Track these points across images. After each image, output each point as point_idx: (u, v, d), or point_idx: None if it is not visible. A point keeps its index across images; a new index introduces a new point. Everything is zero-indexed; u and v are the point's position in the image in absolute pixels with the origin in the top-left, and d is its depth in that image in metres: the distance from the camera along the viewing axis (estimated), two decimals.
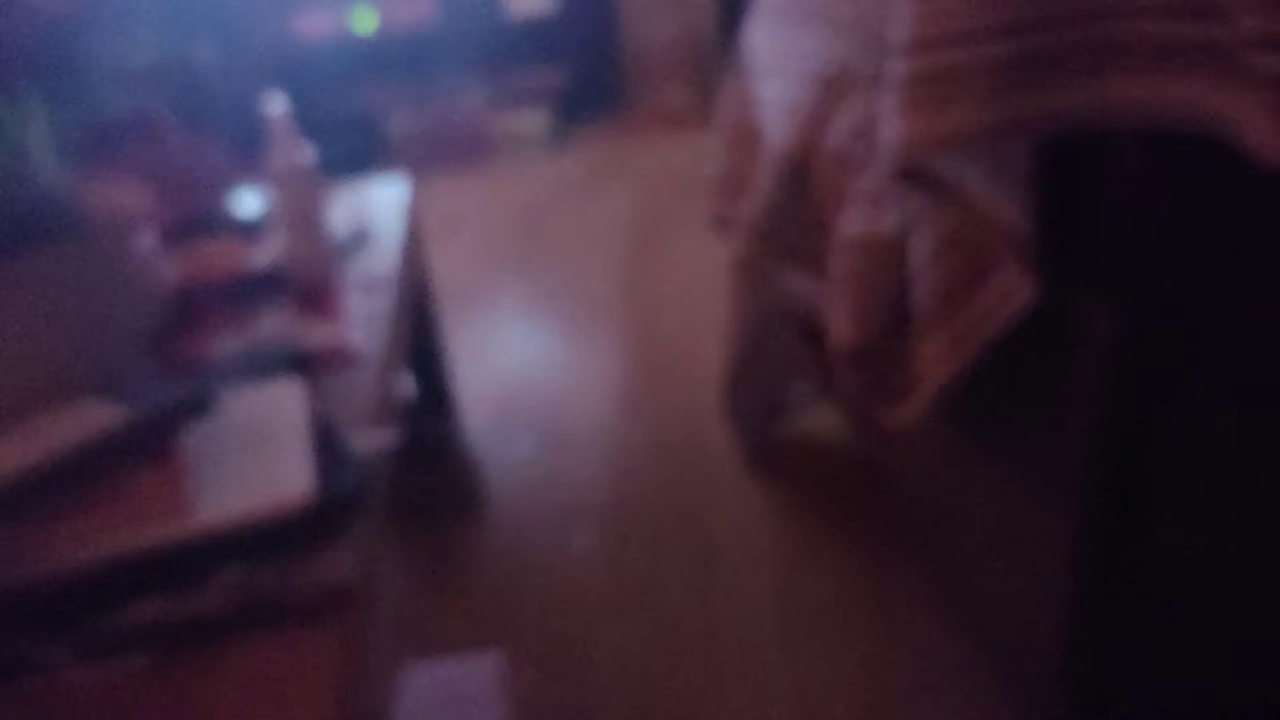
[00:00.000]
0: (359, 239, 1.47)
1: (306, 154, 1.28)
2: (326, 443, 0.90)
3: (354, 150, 3.79)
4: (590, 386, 2.17)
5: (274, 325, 1.21)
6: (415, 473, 1.74)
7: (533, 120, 3.92)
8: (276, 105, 1.27)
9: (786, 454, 1.82)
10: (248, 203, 1.49)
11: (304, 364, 1.08)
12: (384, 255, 1.44)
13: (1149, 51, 0.67)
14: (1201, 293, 0.75)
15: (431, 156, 3.85)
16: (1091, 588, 0.96)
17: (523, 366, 2.31)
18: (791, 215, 1.24)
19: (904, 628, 1.38)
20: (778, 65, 1.34)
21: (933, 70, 0.73)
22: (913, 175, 0.81)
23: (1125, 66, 0.68)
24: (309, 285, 1.27)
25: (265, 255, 1.34)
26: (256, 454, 0.87)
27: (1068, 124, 0.72)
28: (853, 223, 1.03)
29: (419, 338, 1.77)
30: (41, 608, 0.77)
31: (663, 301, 2.53)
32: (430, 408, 1.86)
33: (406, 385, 1.69)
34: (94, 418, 0.86)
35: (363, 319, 1.23)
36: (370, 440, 0.97)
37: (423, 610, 1.56)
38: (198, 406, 0.87)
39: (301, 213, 1.26)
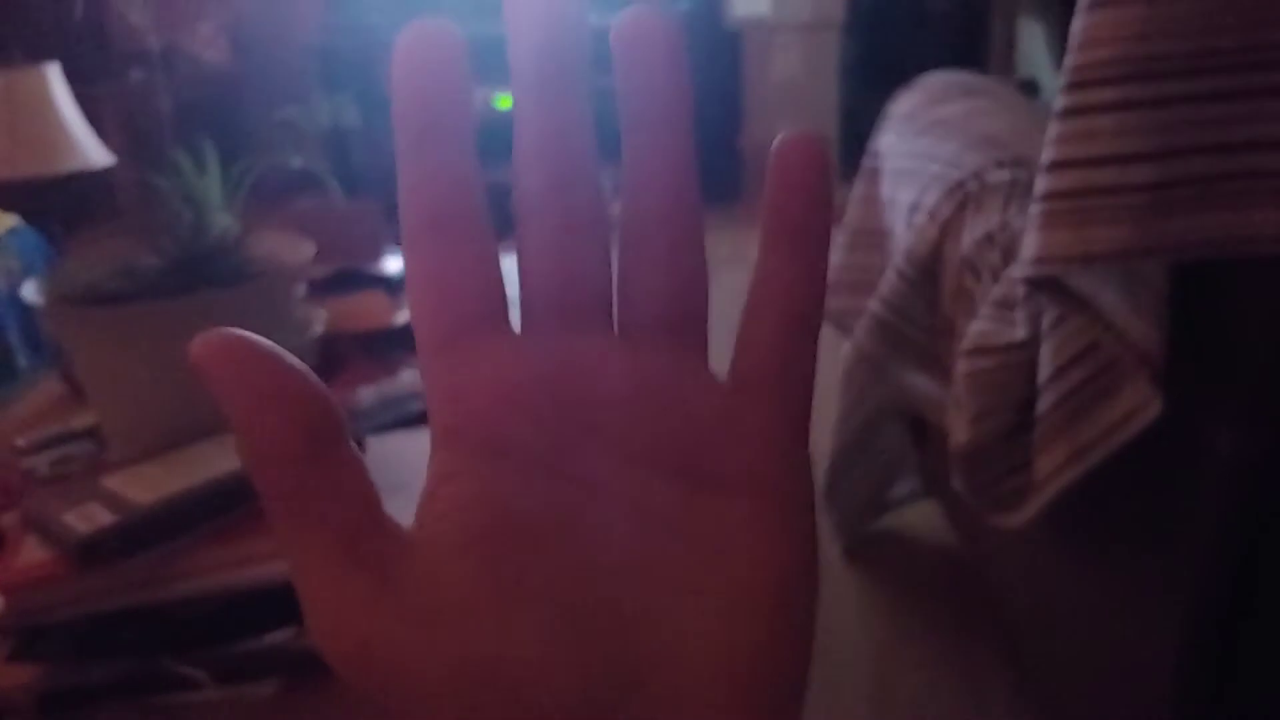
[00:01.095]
0: None
1: None
2: None
3: (493, 225, 3.90)
4: None
5: (411, 379, 1.27)
6: None
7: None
8: None
9: (885, 548, 1.82)
10: (394, 263, 1.57)
11: None
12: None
13: None
14: None
15: None
16: (1189, 706, 0.95)
17: None
18: (916, 315, 1.27)
19: None
20: (911, 169, 1.38)
21: (1075, 188, 0.75)
22: (1047, 287, 0.83)
23: (1273, 197, 0.70)
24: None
25: (407, 312, 1.41)
26: (393, 497, 0.92)
27: (1209, 252, 0.74)
28: (979, 327, 1.05)
29: None
30: (183, 629, 0.82)
31: None
32: None
33: None
34: None
35: None
36: None
37: None
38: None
39: None
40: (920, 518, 1.86)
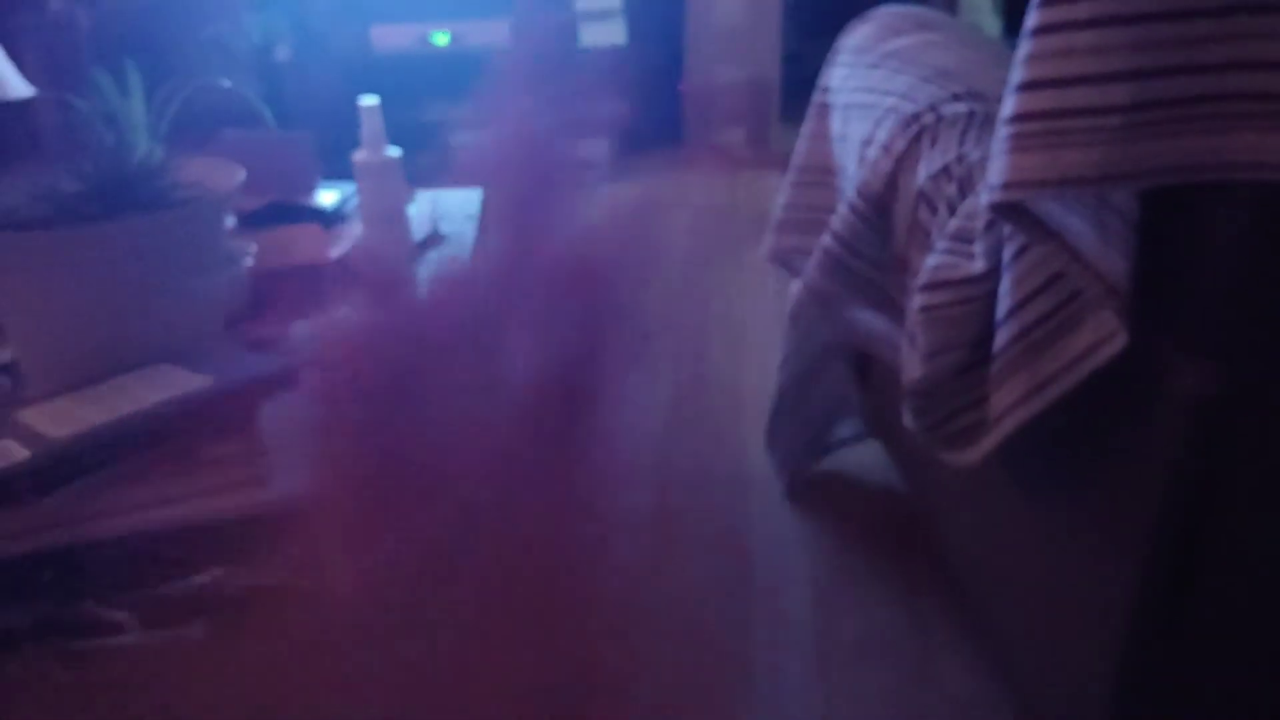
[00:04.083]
0: (432, 240, 1.49)
1: (392, 150, 1.30)
2: None
3: (421, 161, 3.85)
4: (634, 407, 2.17)
5: (345, 314, 1.22)
6: None
7: (593, 148, 3.96)
8: (369, 101, 1.29)
9: (827, 489, 1.81)
10: (327, 195, 1.51)
11: None
12: (455, 258, 1.46)
13: (1278, 107, 0.67)
14: None
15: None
16: (1142, 647, 0.95)
17: None
18: (868, 251, 1.25)
19: (935, 664, 1.38)
20: (863, 103, 1.35)
21: (1049, 110, 0.73)
22: (1013, 214, 0.81)
23: (1252, 121, 0.68)
24: (383, 277, 1.29)
25: (342, 245, 1.36)
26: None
27: (1186, 177, 0.72)
28: (936, 261, 1.03)
29: None
30: (106, 571, 0.78)
31: (709, 330, 2.53)
32: None
33: None
34: (176, 383, 0.87)
35: None
36: None
37: None
38: (279, 381, 0.88)
39: (383, 206, 1.28)
40: (863, 459, 1.86)
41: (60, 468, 0.77)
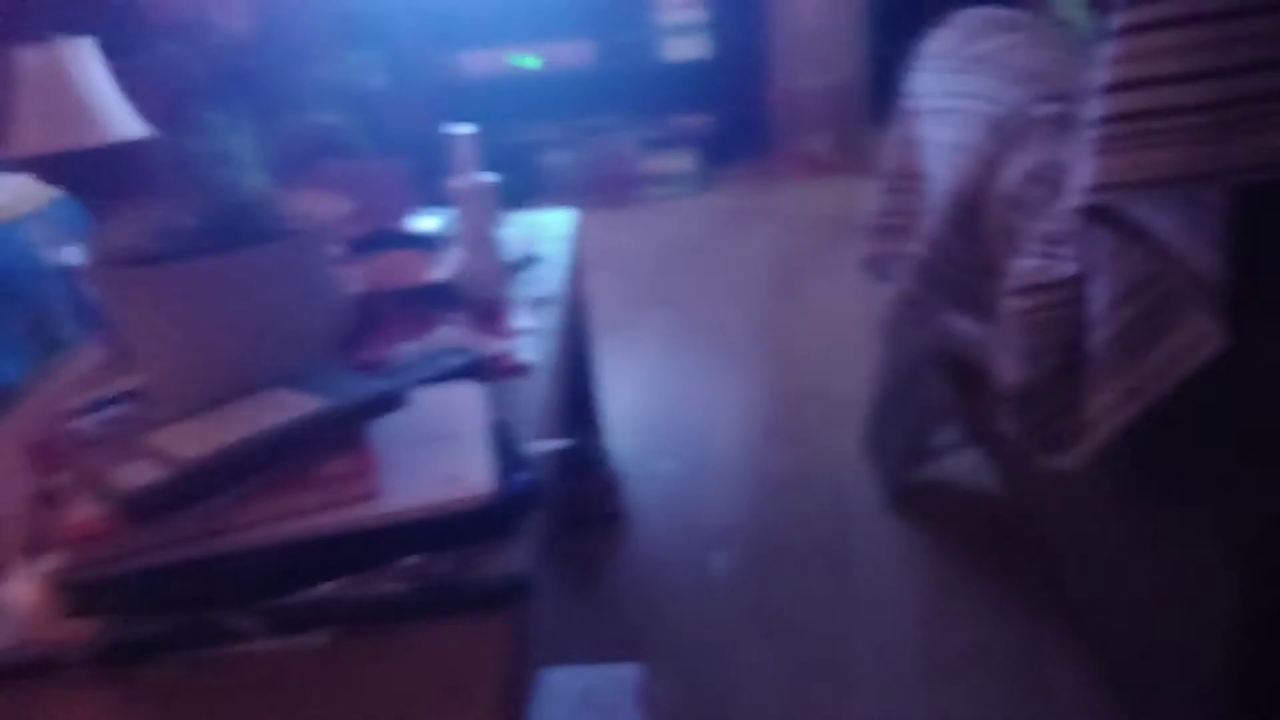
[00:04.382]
0: (527, 261, 1.54)
1: (486, 175, 1.34)
2: (503, 444, 0.95)
3: (512, 183, 3.93)
4: (730, 417, 2.19)
5: (449, 334, 1.26)
6: (561, 482, 1.78)
7: (681, 160, 3.99)
8: (463, 128, 1.33)
9: (929, 497, 1.80)
10: (426, 221, 1.57)
11: (478, 371, 1.12)
12: (550, 277, 1.50)
13: None
14: None
15: (583, 191, 3.96)
16: (1256, 659, 0.93)
17: (665, 394, 2.35)
18: (958, 257, 1.25)
19: (1044, 677, 1.36)
20: (950, 108, 1.35)
21: (1135, 111, 0.73)
22: (1101, 216, 0.81)
23: None
24: (483, 299, 1.33)
25: (442, 269, 1.41)
26: (439, 450, 0.92)
27: (1272, 174, 0.71)
28: (1028, 265, 1.02)
29: (573, 357, 1.82)
30: (235, 581, 0.82)
31: (802, 339, 2.54)
32: (579, 424, 1.91)
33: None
34: (291, 405, 0.91)
35: (530, 334, 1.28)
36: (538, 446, 1.01)
37: (560, 616, 1.59)
38: (389, 401, 0.92)
39: (479, 230, 1.33)
40: (963, 467, 1.84)
41: (190, 486, 0.82)
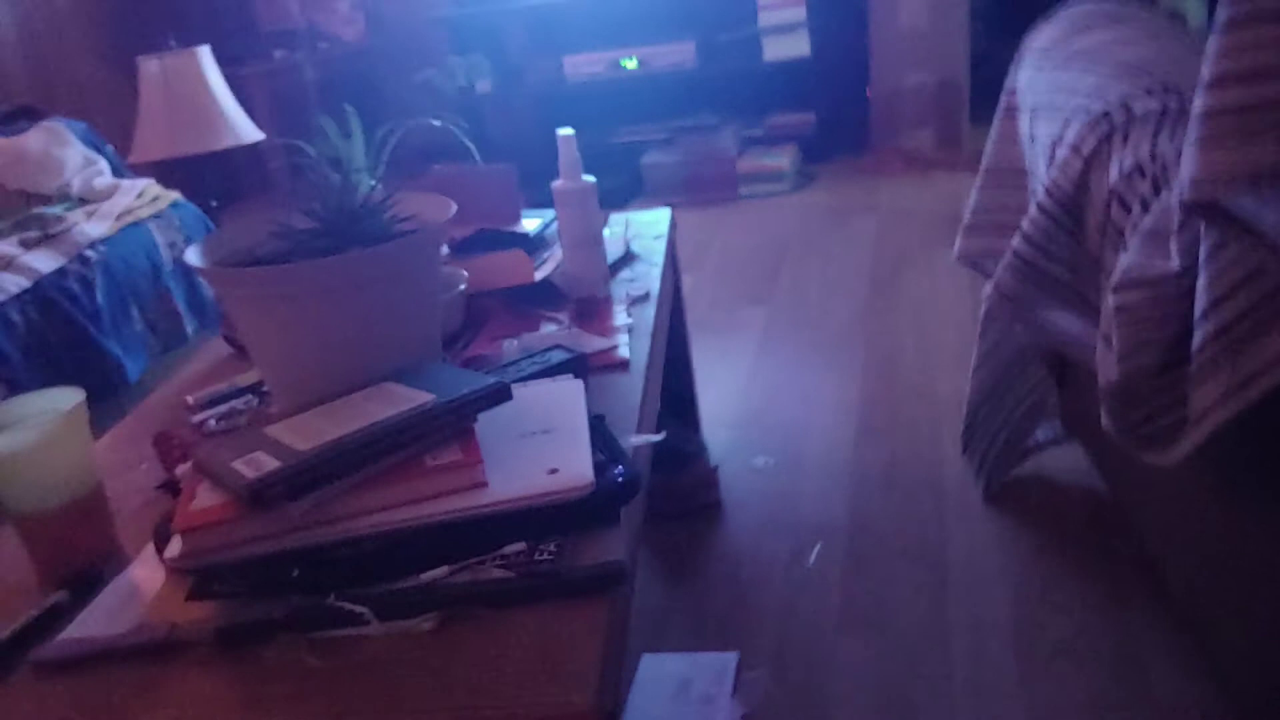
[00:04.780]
0: (626, 259, 1.57)
1: (587, 177, 1.37)
2: (602, 437, 0.97)
3: (613, 183, 3.99)
4: (828, 412, 2.19)
5: (551, 332, 1.30)
6: (659, 475, 1.80)
7: (780, 158, 3.98)
8: (563, 131, 1.37)
9: (1027, 493, 1.78)
10: (529, 221, 1.61)
11: (579, 367, 1.16)
12: (648, 275, 1.52)
13: None
14: None
15: (684, 190, 3.98)
16: None
17: (762, 389, 2.36)
18: (1060, 252, 1.23)
19: (1146, 670, 1.34)
20: (1052, 104, 1.34)
21: (1240, 104, 0.72)
22: (1207, 211, 0.80)
23: None
24: (584, 297, 1.37)
25: (545, 269, 1.45)
26: (542, 443, 0.95)
27: None
28: (1130, 260, 1.01)
29: (670, 352, 1.84)
30: (348, 567, 0.86)
31: (901, 335, 2.52)
32: (676, 418, 1.93)
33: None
34: (403, 399, 0.95)
35: (629, 330, 1.31)
36: (636, 440, 1.04)
37: (657, 605, 1.62)
38: (496, 395, 0.95)
39: (582, 230, 1.36)
40: (1063, 462, 1.82)
41: (306, 477, 0.86)
